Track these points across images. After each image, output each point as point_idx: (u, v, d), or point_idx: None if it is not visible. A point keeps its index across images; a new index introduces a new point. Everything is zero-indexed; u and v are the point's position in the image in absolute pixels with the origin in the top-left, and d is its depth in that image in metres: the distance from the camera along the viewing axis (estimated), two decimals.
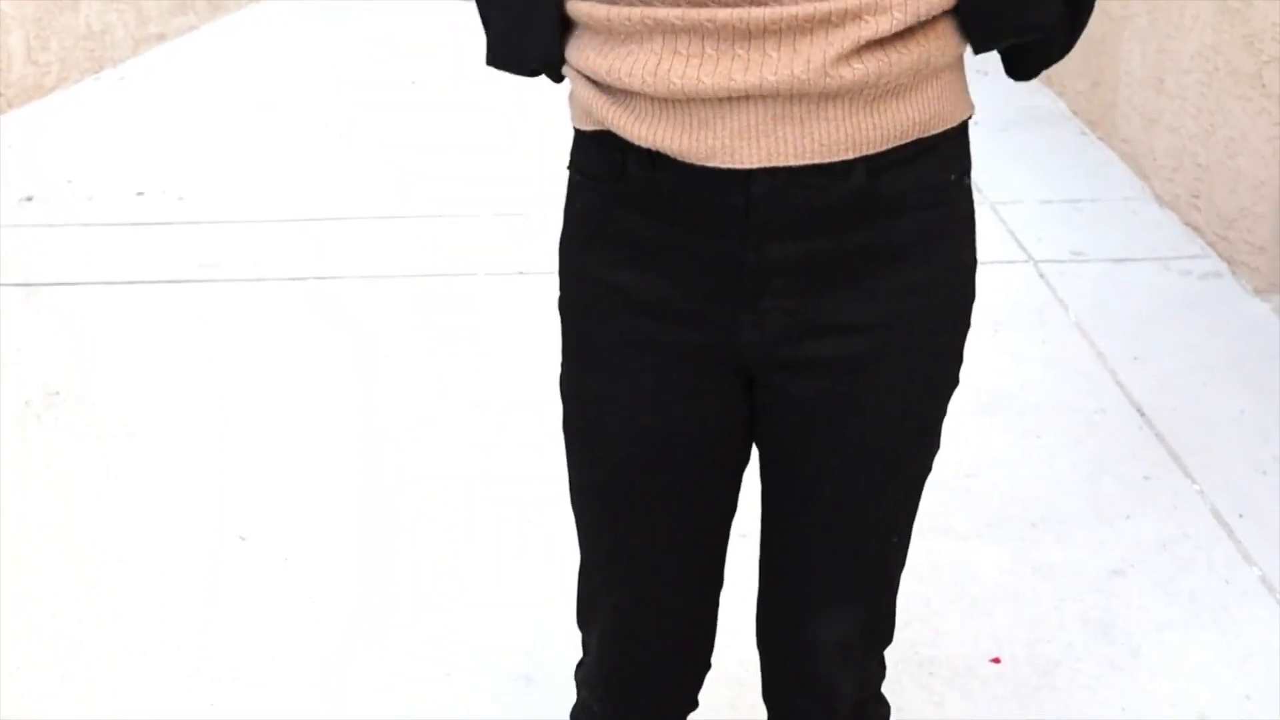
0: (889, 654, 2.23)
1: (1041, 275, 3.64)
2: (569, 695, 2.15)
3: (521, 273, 3.72)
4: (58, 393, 3.15)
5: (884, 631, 1.41)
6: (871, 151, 1.02)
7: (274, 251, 3.94)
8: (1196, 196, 3.81)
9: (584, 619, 1.40)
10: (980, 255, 4.07)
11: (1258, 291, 3.47)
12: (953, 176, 1.12)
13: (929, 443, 1.29)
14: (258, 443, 2.93)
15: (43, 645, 2.32)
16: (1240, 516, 2.56)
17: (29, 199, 4.44)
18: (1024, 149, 4.66)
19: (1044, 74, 5.31)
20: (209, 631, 2.35)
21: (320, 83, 5.70)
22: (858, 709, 1.42)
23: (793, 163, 1.00)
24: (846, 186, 1.03)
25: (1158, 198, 4.08)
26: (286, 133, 5.08)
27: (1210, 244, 3.73)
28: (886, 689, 2.15)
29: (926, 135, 1.06)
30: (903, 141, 1.04)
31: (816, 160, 1.01)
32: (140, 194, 4.45)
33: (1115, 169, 4.38)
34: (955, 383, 1.28)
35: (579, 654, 2.17)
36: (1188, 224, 3.87)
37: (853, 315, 1.12)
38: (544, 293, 3.59)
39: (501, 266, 3.77)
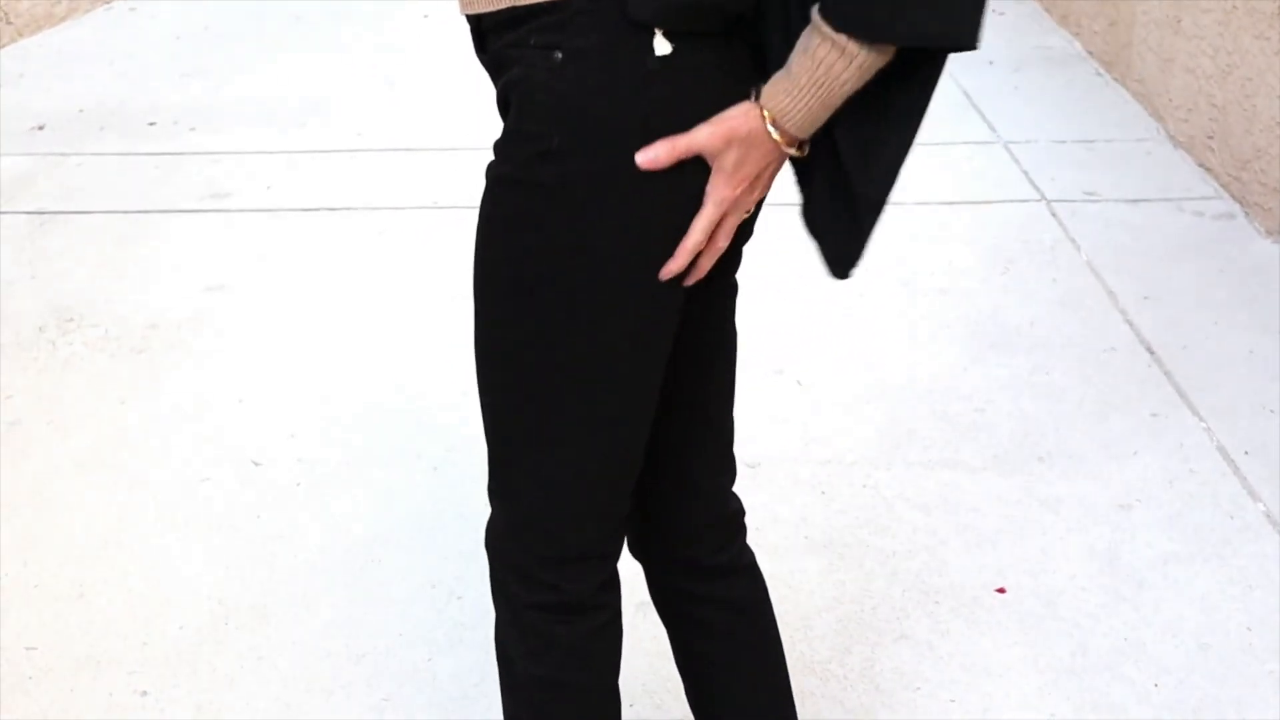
0: (896, 582, 2.26)
1: (1054, 214, 3.63)
2: None
3: None
4: (71, 319, 3.17)
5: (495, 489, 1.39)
6: (480, 11, 1.25)
7: (286, 182, 3.95)
8: (1211, 138, 3.80)
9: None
10: (992, 194, 4.06)
11: (1269, 233, 3.46)
12: (533, 41, 1.21)
13: (481, 314, 1.29)
14: (270, 369, 2.95)
15: (58, 566, 2.35)
16: (1246, 454, 2.58)
17: (40, 128, 4.44)
18: (1038, 89, 4.64)
19: (1060, 13, 5.28)
20: (224, 553, 2.38)
21: (335, 12, 5.67)
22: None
23: (464, 12, 1.28)
24: (474, 33, 1.29)
25: (1172, 139, 4.06)
26: (300, 63, 5.06)
27: (1224, 185, 3.72)
28: (891, 617, 2.19)
29: (519, 5, 1.21)
30: (497, 8, 1.22)
31: (465, 12, 1.28)
32: (152, 124, 4.45)
33: (1130, 109, 4.36)
34: (488, 264, 1.27)
35: None
36: (1202, 165, 3.86)
37: None
38: None
39: None
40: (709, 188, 1.21)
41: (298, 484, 2.56)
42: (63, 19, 5.63)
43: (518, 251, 1.24)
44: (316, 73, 4.94)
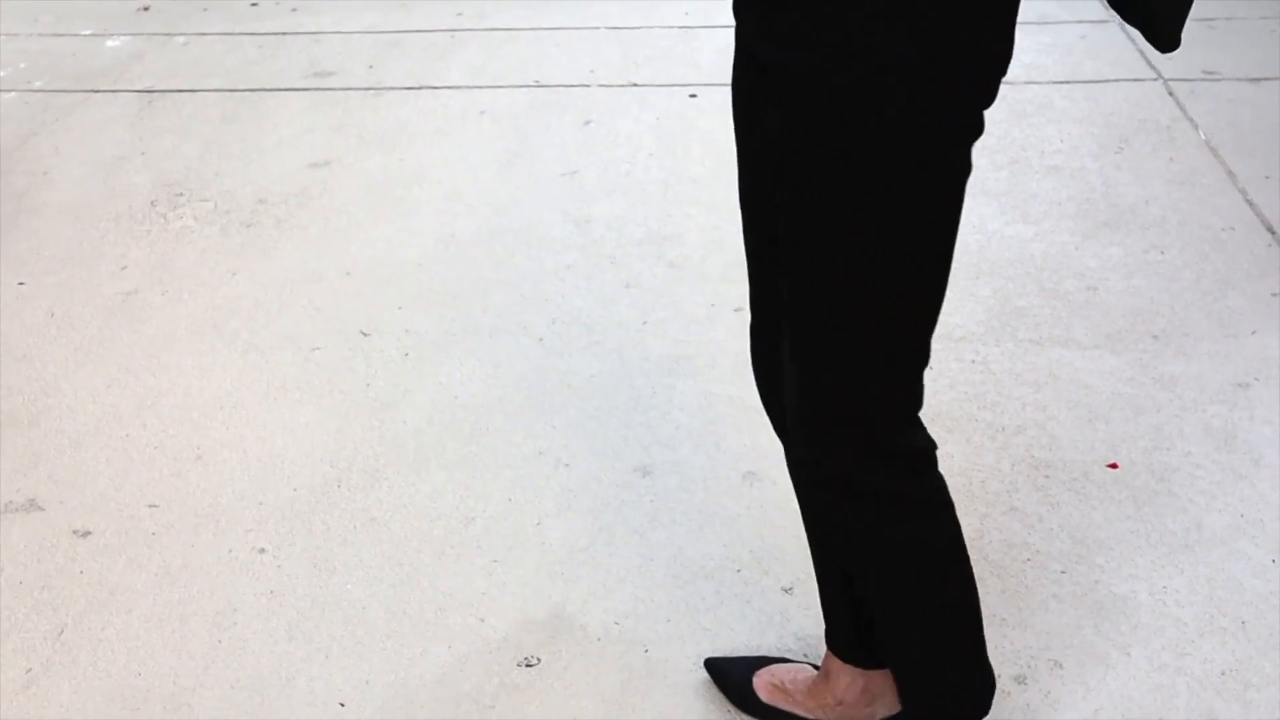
0: (1004, 456, 2.23)
1: (1171, 94, 3.52)
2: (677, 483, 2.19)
3: (634, 84, 3.68)
4: (182, 194, 3.21)
5: (807, 401, 1.41)
6: None
7: (387, 61, 3.94)
8: None
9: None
10: (1106, 73, 3.92)
11: None
12: None
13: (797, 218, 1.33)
14: (376, 243, 2.97)
15: (176, 428, 2.40)
16: None
17: (145, 9, 4.47)
18: None
19: None
20: (335, 419, 2.41)
21: None
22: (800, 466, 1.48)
23: None
24: None
25: None
26: None
27: None
28: (1000, 489, 2.17)
29: None
30: None
31: None
32: (254, 4, 4.45)
33: None
34: (802, 177, 1.31)
35: (695, 444, 2.20)
36: None
37: None
38: (654, 101, 3.57)
39: (613, 78, 3.73)
40: None
41: (406, 354, 2.59)
42: None
43: (824, 155, 1.25)
44: None
